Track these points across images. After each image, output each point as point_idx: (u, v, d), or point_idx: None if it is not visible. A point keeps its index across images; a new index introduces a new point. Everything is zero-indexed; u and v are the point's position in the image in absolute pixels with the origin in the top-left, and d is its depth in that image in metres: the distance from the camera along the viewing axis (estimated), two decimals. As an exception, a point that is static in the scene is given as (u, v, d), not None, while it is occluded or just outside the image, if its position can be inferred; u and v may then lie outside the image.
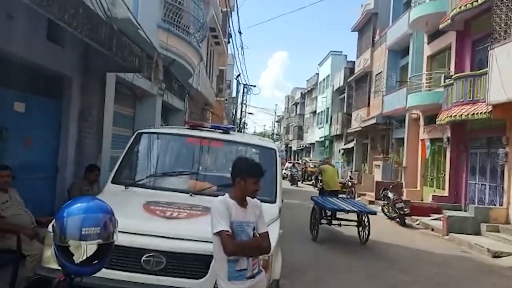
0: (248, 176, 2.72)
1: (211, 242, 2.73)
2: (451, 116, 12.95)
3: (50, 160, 6.03)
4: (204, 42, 13.30)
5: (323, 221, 9.37)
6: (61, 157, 6.19)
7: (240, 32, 26.04)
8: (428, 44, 17.15)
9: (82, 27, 3.93)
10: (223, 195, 2.82)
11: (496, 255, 8.84)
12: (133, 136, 4.90)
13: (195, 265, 3.17)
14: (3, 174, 4.37)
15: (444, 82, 14.15)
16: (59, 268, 1.95)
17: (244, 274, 2.66)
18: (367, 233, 9.02)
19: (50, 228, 3.06)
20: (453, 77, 13.53)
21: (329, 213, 9.56)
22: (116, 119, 7.87)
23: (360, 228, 9.22)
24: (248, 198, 2.79)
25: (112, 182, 4.38)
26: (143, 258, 3.14)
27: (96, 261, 1.94)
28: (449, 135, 14.64)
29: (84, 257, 1.90)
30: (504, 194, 11.49)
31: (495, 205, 12.14)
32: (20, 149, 5.17)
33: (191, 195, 4.11)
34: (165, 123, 11.48)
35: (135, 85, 8.21)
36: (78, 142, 6.44)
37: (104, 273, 2.60)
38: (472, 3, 12.30)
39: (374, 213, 9.79)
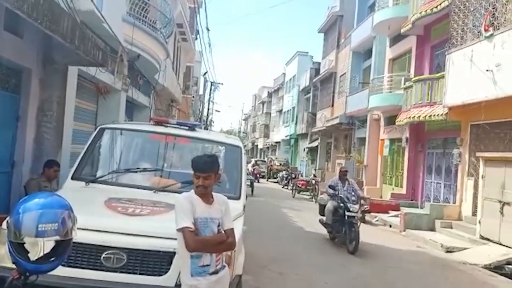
0: (193, 170, 2.74)
1: (174, 238, 2.73)
2: (409, 117, 13.45)
3: (5, 154, 5.79)
4: (171, 38, 13.15)
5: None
6: (18, 152, 5.95)
7: (208, 29, 25.95)
8: (390, 47, 17.71)
9: (43, 18, 3.80)
10: (188, 192, 2.83)
11: (449, 250, 9.29)
12: (95, 132, 4.79)
13: (157, 262, 3.16)
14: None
15: (404, 84, 14.68)
16: (13, 266, 1.90)
17: (207, 270, 2.68)
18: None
19: (4, 225, 2.97)
20: (412, 80, 14.05)
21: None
22: (77, 114, 7.64)
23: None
24: (214, 195, 2.80)
25: (72, 178, 4.27)
26: (103, 255, 3.09)
27: (53, 258, 1.91)
28: (407, 135, 15.19)
29: (41, 254, 1.87)
30: (457, 192, 12.08)
31: (449, 202, 12.77)
32: (-27, 143, 4.94)
33: (154, 192, 4.07)
34: (129, 119, 11.26)
35: (98, 80, 8.01)
36: (37, 136, 6.21)
37: (62, 271, 2.56)
38: (432, 9, 12.83)
39: None
